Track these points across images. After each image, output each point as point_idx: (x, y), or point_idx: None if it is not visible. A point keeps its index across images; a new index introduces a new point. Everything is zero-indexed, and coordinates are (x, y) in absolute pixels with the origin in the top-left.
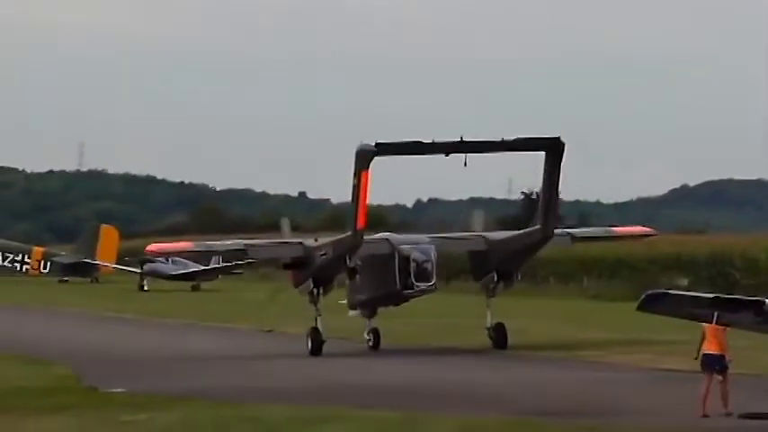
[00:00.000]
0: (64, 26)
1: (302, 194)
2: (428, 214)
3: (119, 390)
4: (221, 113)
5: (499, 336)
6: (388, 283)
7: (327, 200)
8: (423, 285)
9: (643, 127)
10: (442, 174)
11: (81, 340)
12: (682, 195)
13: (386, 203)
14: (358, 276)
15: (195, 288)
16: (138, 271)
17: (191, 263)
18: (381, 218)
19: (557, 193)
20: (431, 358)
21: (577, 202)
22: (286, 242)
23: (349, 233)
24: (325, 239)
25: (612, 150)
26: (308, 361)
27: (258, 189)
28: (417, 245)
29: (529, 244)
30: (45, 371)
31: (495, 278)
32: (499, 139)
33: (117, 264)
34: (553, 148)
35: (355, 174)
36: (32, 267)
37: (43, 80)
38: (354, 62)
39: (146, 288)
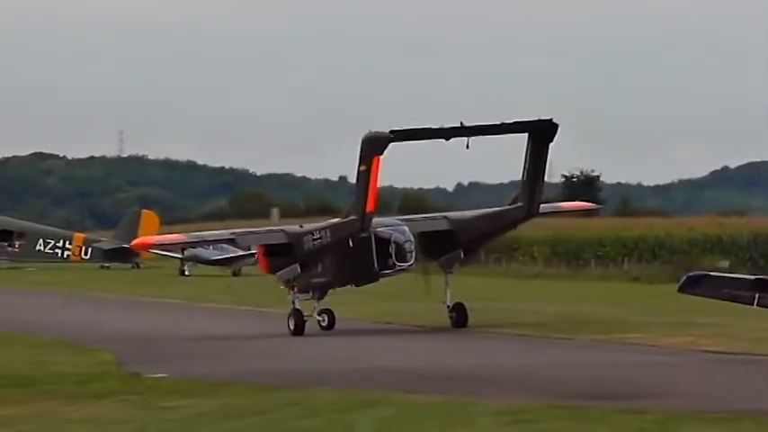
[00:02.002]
0: (103, 14)
1: (342, 179)
2: (469, 197)
3: (161, 375)
4: (261, 98)
5: (459, 315)
6: (365, 264)
7: None
8: (404, 265)
9: (684, 109)
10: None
11: (123, 326)
12: (723, 177)
13: (427, 187)
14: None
15: (236, 273)
16: (179, 256)
17: (231, 248)
18: (422, 201)
19: (544, 172)
20: (469, 342)
21: (619, 184)
22: (270, 230)
23: (352, 217)
24: (317, 224)
25: (653, 133)
26: (347, 344)
27: (299, 174)
28: (393, 226)
29: (510, 221)
30: (88, 357)
31: (462, 255)
32: (499, 123)
33: None
34: (547, 130)
35: (364, 159)
36: (74, 253)
37: (83, 67)
38: (398, 46)
39: (186, 273)
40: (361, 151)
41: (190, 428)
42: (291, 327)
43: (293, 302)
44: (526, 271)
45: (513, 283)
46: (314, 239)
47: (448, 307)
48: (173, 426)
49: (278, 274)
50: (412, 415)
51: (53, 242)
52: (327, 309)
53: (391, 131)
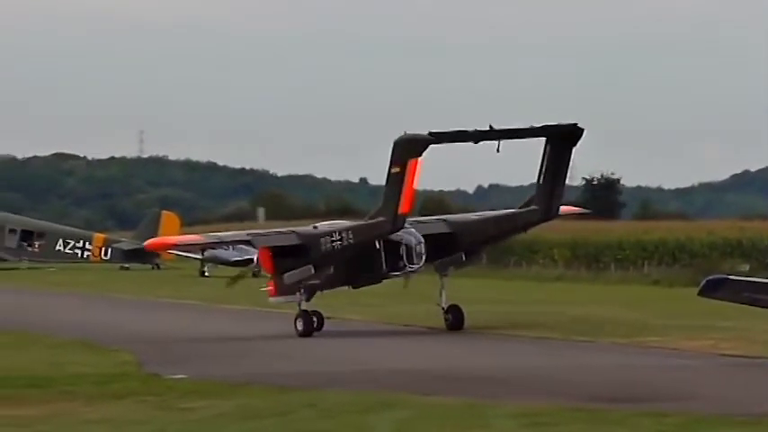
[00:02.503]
0: (124, 14)
1: (363, 180)
2: (489, 200)
3: (180, 376)
4: (282, 99)
5: (455, 317)
6: (372, 266)
7: None
8: (414, 267)
9: (705, 112)
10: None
11: (142, 326)
12: (743, 181)
13: (447, 189)
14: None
15: (256, 274)
16: (199, 257)
17: (252, 249)
18: (442, 203)
19: (566, 176)
20: (487, 344)
21: (639, 188)
22: (284, 231)
23: (381, 219)
24: (338, 225)
25: (674, 136)
26: (363, 346)
27: (319, 175)
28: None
29: (522, 224)
30: (107, 357)
31: (463, 258)
32: (528, 126)
33: None
34: (573, 134)
35: (398, 161)
36: (94, 254)
37: (103, 67)
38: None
39: (207, 274)
40: (395, 153)
41: (208, 429)
42: (300, 328)
43: (299, 304)
44: (546, 273)
45: (533, 286)
46: (333, 241)
47: (443, 309)
48: (192, 427)
49: (286, 275)
50: (429, 417)
51: (73, 242)
52: (317, 311)
53: (430, 134)
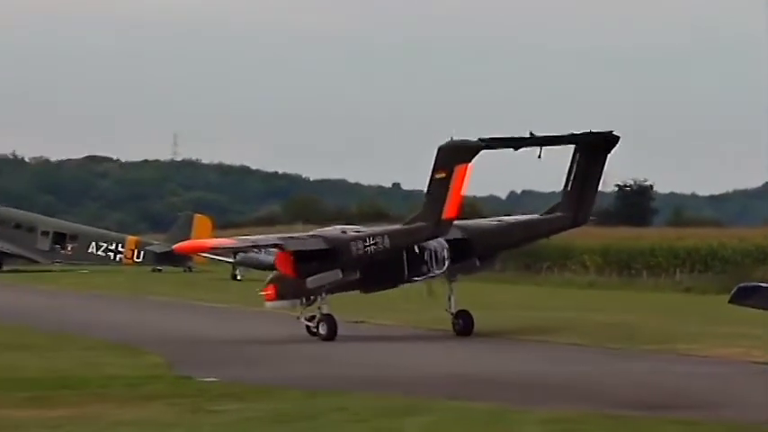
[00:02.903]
0: (159, 17)
1: (396, 185)
2: (522, 205)
3: (211, 379)
4: (315, 104)
5: (465, 322)
6: (392, 270)
7: (421, 191)
8: (437, 272)
9: (740, 118)
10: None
11: (173, 329)
12: None
13: (479, 195)
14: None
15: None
16: (231, 261)
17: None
18: (474, 208)
19: (599, 183)
20: (516, 350)
21: (672, 194)
22: (314, 235)
23: (421, 224)
24: (372, 229)
25: (708, 142)
26: (392, 350)
27: (352, 180)
28: None
29: (546, 231)
30: (138, 359)
31: (477, 263)
32: (568, 133)
33: None
34: (609, 142)
35: (444, 166)
36: (126, 256)
37: (137, 70)
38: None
39: (239, 278)
40: (440, 158)
41: None
42: (323, 332)
43: (320, 308)
44: (578, 280)
45: (564, 292)
46: (366, 245)
47: (452, 314)
48: (222, 430)
49: (310, 279)
50: (458, 422)
51: (106, 245)
52: (314, 315)
53: (481, 139)
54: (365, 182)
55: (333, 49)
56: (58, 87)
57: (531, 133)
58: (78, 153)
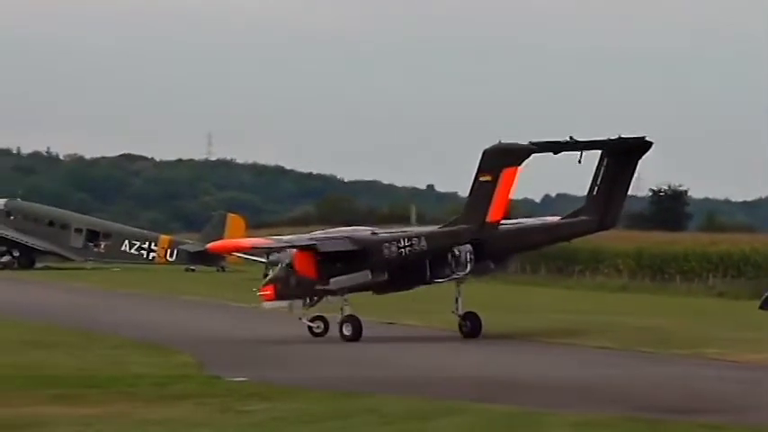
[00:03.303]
0: (195, 16)
1: (430, 187)
2: (556, 209)
3: (241, 379)
4: (351, 105)
5: (473, 324)
6: (414, 272)
7: (455, 192)
8: (460, 274)
9: None
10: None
11: (205, 329)
12: None
13: (514, 198)
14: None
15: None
16: (265, 261)
17: None
18: (509, 211)
19: (629, 188)
20: (547, 353)
21: (706, 199)
22: (345, 236)
23: (464, 226)
24: (409, 231)
25: (741, 148)
26: (422, 352)
27: (386, 181)
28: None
29: (568, 234)
30: (168, 359)
31: (491, 266)
32: (606, 138)
33: None
34: (642, 147)
35: (489, 169)
36: (159, 255)
37: (173, 70)
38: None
39: None
40: (487, 161)
41: None
42: (348, 333)
43: (342, 309)
44: (610, 283)
45: (596, 296)
46: (400, 247)
47: (459, 316)
48: (251, 430)
49: (334, 280)
50: (487, 424)
51: (139, 243)
52: (322, 316)
53: (532, 143)
54: (399, 183)
55: (370, 50)
56: (94, 85)
57: (570, 137)
58: (113, 151)
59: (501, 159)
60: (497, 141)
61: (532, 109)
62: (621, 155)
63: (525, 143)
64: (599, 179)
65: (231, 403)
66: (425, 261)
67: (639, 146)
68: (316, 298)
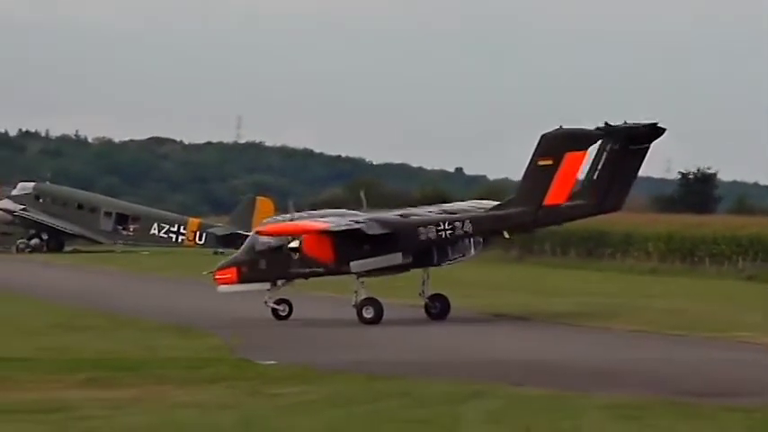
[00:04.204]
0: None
1: (459, 170)
2: None
3: (271, 362)
4: (379, 88)
5: (442, 306)
6: (438, 254)
7: (484, 176)
8: (470, 255)
9: None
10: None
11: (234, 312)
12: None
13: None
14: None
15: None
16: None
17: None
18: None
19: (636, 172)
20: (578, 336)
21: (735, 182)
22: (378, 219)
23: (518, 209)
24: (448, 213)
25: None
26: (452, 335)
27: (415, 164)
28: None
29: (570, 216)
30: (198, 342)
31: (471, 248)
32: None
33: None
34: (657, 134)
35: (550, 153)
36: (188, 238)
37: (202, 53)
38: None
39: None
40: (546, 145)
41: (298, 416)
42: (369, 315)
43: (356, 292)
44: (640, 266)
45: (626, 279)
46: (439, 230)
47: (426, 299)
48: (281, 413)
49: (356, 263)
50: (520, 408)
51: (168, 227)
52: (286, 299)
53: (599, 128)
54: (428, 166)
55: (397, 33)
56: (122, 67)
57: (606, 123)
58: (141, 134)
59: (564, 144)
60: (558, 126)
61: (561, 93)
62: (634, 140)
63: (592, 128)
64: (600, 162)
65: (262, 386)
66: (455, 244)
67: (653, 132)
68: (281, 282)
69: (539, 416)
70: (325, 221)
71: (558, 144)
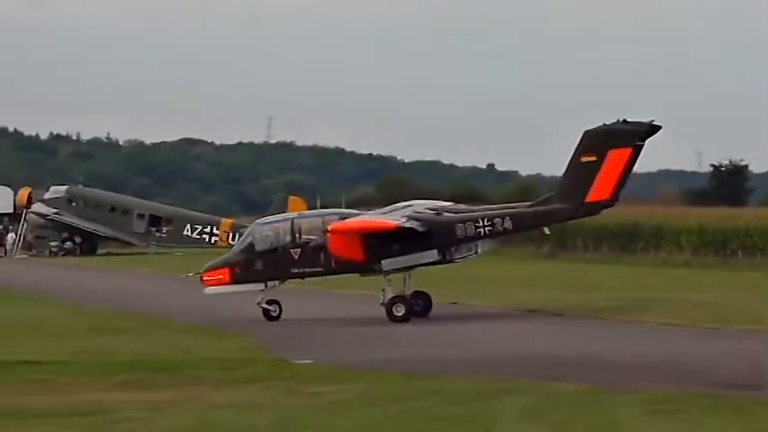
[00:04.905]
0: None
1: (490, 166)
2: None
3: (307, 361)
4: (409, 85)
5: (424, 304)
6: (459, 251)
7: (516, 172)
8: (479, 251)
9: None
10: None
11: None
12: None
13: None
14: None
15: None
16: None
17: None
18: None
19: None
20: (612, 330)
21: (766, 174)
22: (413, 216)
23: (561, 205)
24: (485, 210)
25: None
26: (487, 332)
27: (446, 161)
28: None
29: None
30: (232, 342)
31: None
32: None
33: None
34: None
35: (595, 150)
36: (221, 239)
37: (232, 54)
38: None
39: None
40: (590, 142)
41: (335, 415)
42: (399, 313)
43: (383, 290)
44: (673, 260)
45: (660, 273)
46: (477, 227)
47: (409, 296)
48: (318, 412)
49: (387, 261)
50: (555, 404)
51: (201, 227)
52: (276, 300)
53: (652, 125)
54: (459, 163)
55: (426, 32)
56: (153, 69)
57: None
58: (172, 135)
59: (609, 140)
60: (601, 123)
61: (596, 88)
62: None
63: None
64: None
65: (298, 386)
66: (489, 239)
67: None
68: (276, 282)
69: (574, 411)
70: (391, 219)
71: (601, 141)
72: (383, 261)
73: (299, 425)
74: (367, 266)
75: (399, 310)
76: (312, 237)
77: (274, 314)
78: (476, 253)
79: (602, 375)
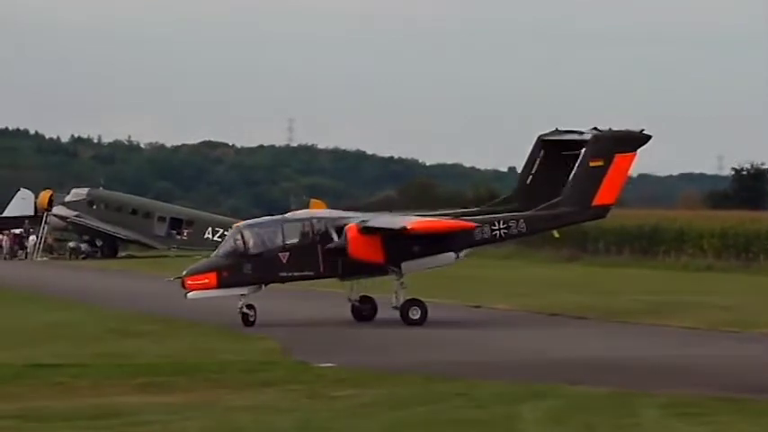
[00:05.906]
0: (276, 3)
1: (512, 169)
2: (638, 190)
3: (328, 364)
4: (431, 88)
5: (372, 306)
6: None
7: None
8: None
9: None
10: (653, 150)
11: (288, 314)
12: None
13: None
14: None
15: None
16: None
17: None
18: None
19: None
20: (634, 334)
21: None
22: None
23: (568, 208)
24: (502, 213)
25: None
26: (511, 336)
27: (468, 164)
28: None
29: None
30: (252, 345)
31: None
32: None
33: None
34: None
35: (600, 155)
36: None
37: (253, 56)
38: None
39: None
40: (597, 147)
41: (357, 418)
42: (416, 316)
43: (395, 293)
44: (695, 263)
45: (682, 276)
46: (494, 229)
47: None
48: (340, 416)
49: (407, 263)
50: (579, 407)
51: (222, 230)
52: (252, 304)
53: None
54: (481, 166)
55: (447, 34)
56: (174, 72)
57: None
58: (193, 138)
59: (614, 145)
60: (608, 128)
61: (608, 93)
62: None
63: (640, 131)
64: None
65: (319, 389)
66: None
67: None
68: (263, 285)
69: (597, 415)
70: (468, 220)
71: (608, 145)
72: (402, 264)
73: (320, 428)
74: (383, 269)
75: (415, 313)
76: (331, 238)
77: (252, 319)
78: (458, 258)
79: (624, 378)
